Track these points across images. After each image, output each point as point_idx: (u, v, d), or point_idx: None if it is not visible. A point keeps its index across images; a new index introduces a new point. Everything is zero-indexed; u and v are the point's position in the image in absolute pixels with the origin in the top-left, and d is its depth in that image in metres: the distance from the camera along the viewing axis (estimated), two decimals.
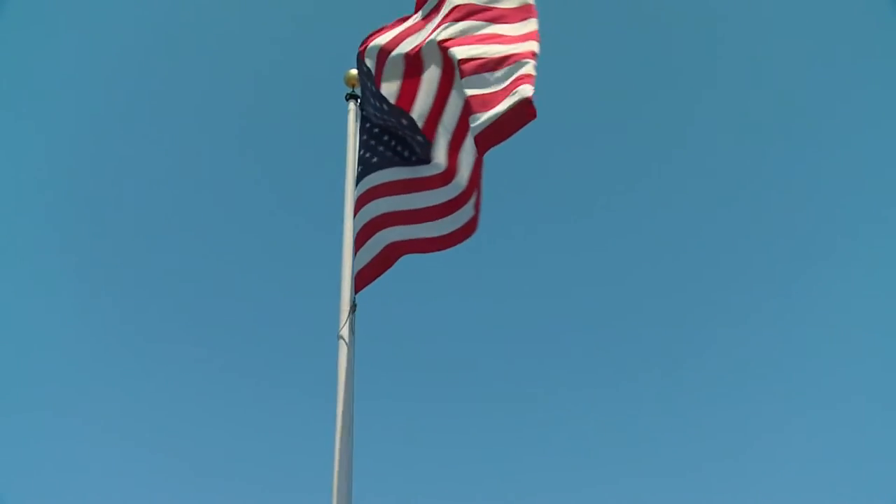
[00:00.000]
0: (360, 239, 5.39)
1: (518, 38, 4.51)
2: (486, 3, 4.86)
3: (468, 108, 4.25)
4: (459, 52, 4.61)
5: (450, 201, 5.21)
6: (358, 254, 5.36)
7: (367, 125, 5.84)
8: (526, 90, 3.99)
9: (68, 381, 14.05)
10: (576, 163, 17.62)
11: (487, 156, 4.78)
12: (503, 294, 16.70)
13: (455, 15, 4.95)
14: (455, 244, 5.24)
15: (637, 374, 15.39)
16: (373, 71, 5.57)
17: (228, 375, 15.11)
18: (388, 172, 5.52)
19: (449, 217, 5.23)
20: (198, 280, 16.00)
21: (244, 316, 15.82)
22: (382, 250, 5.36)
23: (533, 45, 4.35)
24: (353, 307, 5.26)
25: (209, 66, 17.22)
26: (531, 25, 4.58)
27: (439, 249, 5.28)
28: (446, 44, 4.79)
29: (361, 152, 5.74)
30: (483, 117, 4.07)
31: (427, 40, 5.10)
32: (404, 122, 5.35)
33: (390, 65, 5.41)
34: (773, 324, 15.31)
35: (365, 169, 5.61)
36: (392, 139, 5.64)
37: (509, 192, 16.25)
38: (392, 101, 5.38)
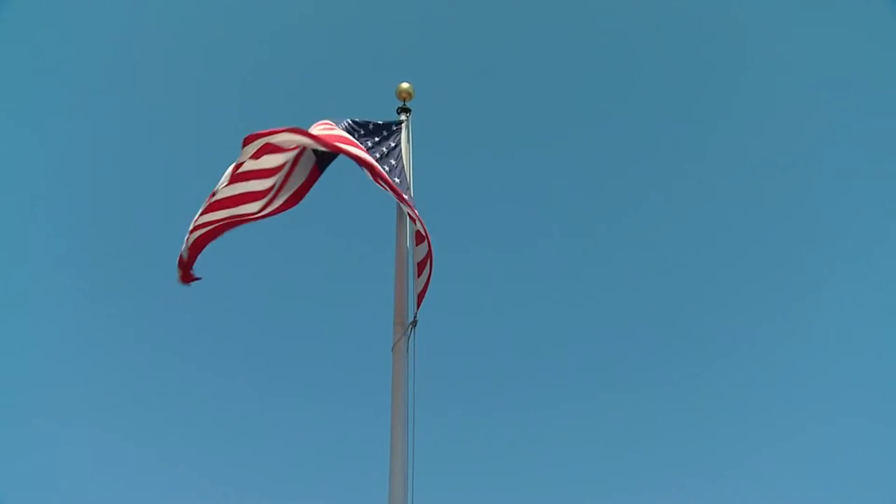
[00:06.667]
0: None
1: None
2: None
3: None
4: None
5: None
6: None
7: None
8: None
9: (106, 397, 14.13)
10: (610, 164, 17.67)
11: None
12: (535, 303, 16.72)
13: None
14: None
15: (651, 379, 15.43)
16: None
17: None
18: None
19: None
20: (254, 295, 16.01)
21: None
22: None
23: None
24: (414, 322, 5.34)
25: (246, 76, 17.16)
26: None
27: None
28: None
29: None
30: None
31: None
32: None
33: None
34: (793, 329, 15.30)
35: None
36: None
37: (544, 202, 16.34)
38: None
